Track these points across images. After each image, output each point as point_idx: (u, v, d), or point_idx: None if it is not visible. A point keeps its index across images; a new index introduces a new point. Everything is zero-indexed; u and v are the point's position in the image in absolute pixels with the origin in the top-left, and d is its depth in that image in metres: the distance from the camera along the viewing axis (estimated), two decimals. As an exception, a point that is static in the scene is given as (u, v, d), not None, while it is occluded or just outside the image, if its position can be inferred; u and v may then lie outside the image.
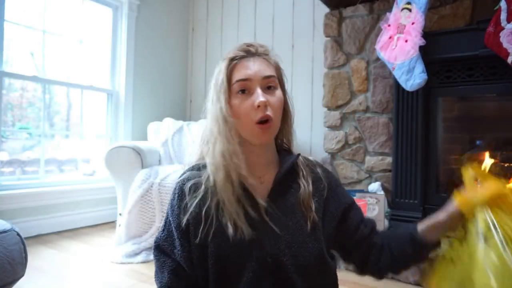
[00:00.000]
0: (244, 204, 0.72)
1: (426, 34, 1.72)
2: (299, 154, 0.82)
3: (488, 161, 1.92)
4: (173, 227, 0.75)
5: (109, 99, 2.94)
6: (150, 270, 1.81)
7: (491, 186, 0.73)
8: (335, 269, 0.80)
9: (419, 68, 1.66)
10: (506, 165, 1.97)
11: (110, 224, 2.72)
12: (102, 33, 2.90)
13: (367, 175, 2.18)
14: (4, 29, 2.27)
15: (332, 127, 2.30)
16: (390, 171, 2.07)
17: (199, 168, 0.79)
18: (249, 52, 0.76)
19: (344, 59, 2.27)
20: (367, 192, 1.98)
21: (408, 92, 1.86)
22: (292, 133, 0.85)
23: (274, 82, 0.75)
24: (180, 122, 2.76)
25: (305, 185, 0.78)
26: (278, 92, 0.76)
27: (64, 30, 2.66)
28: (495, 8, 1.55)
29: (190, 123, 2.75)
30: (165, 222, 0.78)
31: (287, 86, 0.83)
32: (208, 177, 0.75)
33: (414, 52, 1.68)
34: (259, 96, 0.71)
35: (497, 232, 0.62)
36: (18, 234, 0.92)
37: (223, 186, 0.72)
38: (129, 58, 2.94)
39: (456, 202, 0.74)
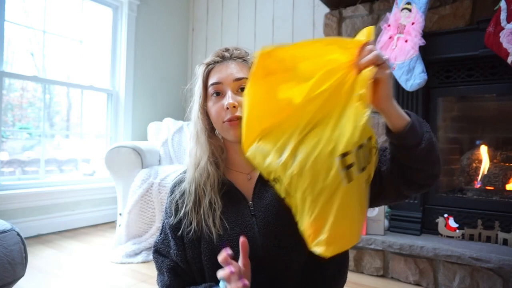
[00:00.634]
0: (232, 201, 0.77)
1: (426, 34, 1.72)
2: None
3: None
4: (167, 228, 0.81)
5: (109, 99, 2.94)
6: (150, 270, 1.81)
7: None
8: (340, 261, 0.80)
9: (419, 68, 1.66)
10: (506, 165, 1.97)
11: (110, 224, 2.72)
12: (102, 33, 2.90)
13: (367, 175, 2.18)
14: (4, 29, 2.27)
15: (332, 127, 2.30)
16: (390, 171, 2.07)
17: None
18: (224, 57, 0.79)
19: (344, 59, 2.26)
20: (367, 192, 1.98)
21: (408, 92, 1.86)
22: None
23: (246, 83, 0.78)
24: (180, 122, 2.76)
25: None
26: None
27: (64, 30, 2.66)
28: (495, 8, 1.55)
29: (190, 123, 2.75)
30: (162, 225, 0.85)
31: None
32: (190, 177, 0.80)
33: (414, 52, 1.68)
34: (228, 98, 0.75)
35: None
36: (18, 234, 0.92)
37: (204, 187, 0.77)
38: (129, 58, 2.94)
39: None
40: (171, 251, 0.79)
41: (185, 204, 0.78)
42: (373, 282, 1.72)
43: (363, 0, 2.17)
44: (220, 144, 0.82)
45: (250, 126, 0.61)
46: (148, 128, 2.84)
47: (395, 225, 1.90)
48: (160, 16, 3.21)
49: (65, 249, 2.10)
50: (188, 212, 0.77)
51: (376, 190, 0.72)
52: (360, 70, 0.57)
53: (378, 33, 1.97)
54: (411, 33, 1.69)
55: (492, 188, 1.94)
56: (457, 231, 1.77)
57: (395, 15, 1.79)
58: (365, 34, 0.63)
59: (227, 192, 0.78)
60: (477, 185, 2.00)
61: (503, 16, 1.51)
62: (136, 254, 1.97)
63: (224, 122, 0.75)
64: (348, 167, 0.54)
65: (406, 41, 1.71)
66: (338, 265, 0.81)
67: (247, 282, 0.63)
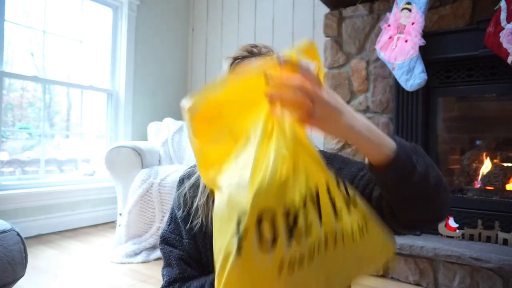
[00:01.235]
0: None
1: (426, 34, 1.72)
2: None
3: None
4: (179, 219, 0.79)
5: (109, 99, 2.94)
6: (150, 270, 1.81)
7: None
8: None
9: (419, 68, 1.67)
10: (506, 165, 1.97)
11: (110, 224, 2.72)
12: (102, 33, 2.90)
13: (367, 175, 2.18)
14: (4, 29, 2.27)
15: (332, 127, 2.30)
16: (390, 171, 2.07)
17: None
18: (252, 53, 0.76)
19: (344, 59, 2.27)
20: (367, 192, 1.98)
21: (408, 92, 1.86)
22: None
23: None
24: (180, 122, 2.76)
25: None
26: None
27: (64, 30, 2.66)
28: (495, 8, 1.55)
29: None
30: (171, 216, 0.82)
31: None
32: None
33: (414, 52, 1.68)
34: None
35: None
36: (18, 234, 0.92)
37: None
38: (129, 58, 2.94)
39: None
40: (183, 241, 0.77)
41: (196, 198, 0.77)
42: (373, 282, 1.72)
43: (363, 0, 2.17)
44: None
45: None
46: (148, 128, 2.84)
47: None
48: (160, 16, 3.21)
49: (65, 249, 2.10)
50: (198, 206, 0.76)
51: None
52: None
53: (378, 33, 1.98)
54: (411, 33, 1.69)
55: (492, 188, 1.94)
56: (457, 231, 1.77)
57: (395, 15, 1.79)
58: (301, 49, 0.49)
59: None
60: (477, 185, 2.00)
61: (503, 16, 1.51)
62: (136, 254, 1.97)
63: None
64: (240, 237, 0.40)
65: (406, 41, 1.72)
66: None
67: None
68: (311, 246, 0.43)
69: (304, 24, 2.77)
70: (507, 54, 1.48)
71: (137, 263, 1.90)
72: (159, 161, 2.53)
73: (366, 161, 0.56)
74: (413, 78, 1.69)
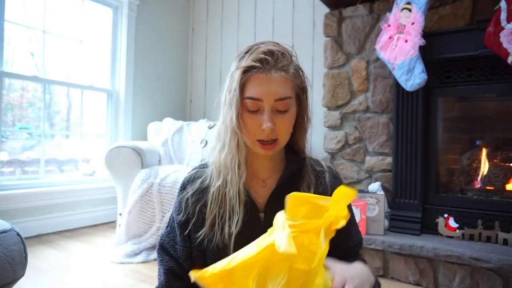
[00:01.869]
0: (243, 207, 0.72)
1: (426, 34, 1.72)
2: (304, 159, 0.80)
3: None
4: (175, 223, 0.78)
5: (109, 99, 2.94)
6: (150, 270, 1.81)
7: None
8: None
9: (419, 68, 1.67)
10: (506, 165, 1.97)
11: (110, 224, 2.72)
12: (102, 33, 2.90)
13: (367, 175, 2.18)
14: (4, 29, 2.27)
15: (332, 127, 2.30)
16: (390, 171, 2.07)
17: (207, 166, 0.81)
18: (267, 63, 0.69)
19: (344, 59, 2.27)
20: (367, 192, 1.98)
21: (408, 92, 1.86)
22: (305, 138, 0.82)
23: (288, 103, 0.71)
24: (180, 122, 2.76)
25: (305, 192, 0.76)
26: (291, 113, 0.72)
27: (64, 30, 2.66)
28: (495, 8, 1.55)
29: (190, 123, 2.75)
30: (169, 219, 0.81)
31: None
32: (207, 177, 0.78)
33: (414, 52, 1.68)
34: (267, 121, 0.68)
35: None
36: (18, 234, 0.92)
37: (219, 192, 0.74)
38: (129, 58, 2.94)
39: None
40: (176, 246, 0.77)
41: (196, 202, 0.76)
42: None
43: (363, 0, 2.17)
44: (247, 149, 0.76)
45: None
46: (148, 128, 2.84)
47: (395, 225, 1.90)
48: (160, 16, 3.21)
49: (65, 249, 2.10)
50: (198, 212, 0.75)
51: None
52: None
53: (378, 33, 1.98)
54: (411, 33, 1.69)
55: (492, 188, 1.94)
56: (457, 231, 1.77)
57: (395, 15, 1.79)
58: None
59: (240, 197, 0.74)
60: (477, 185, 2.00)
61: (503, 16, 1.51)
62: (136, 254, 1.97)
63: (257, 140, 0.71)
64: None
65: (406, 41, 1.72)
66: None
67: None
68: None
69: (304, 24, 2.77)
70: (507, 54, 1.48)
71: (137, 263, 1.90)
72: (159, 161, 2.53)
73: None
74: (413, 78, 1.69)
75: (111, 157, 2.22)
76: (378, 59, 2.05)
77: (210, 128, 2.56)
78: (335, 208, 0.54)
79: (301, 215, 0.54)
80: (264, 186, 0.78)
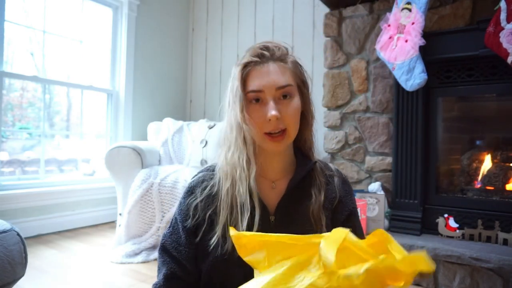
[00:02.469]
0: (252, 210, 0.70)
1: (426, 34, 1.72)
2: (315, 162, 0.79)
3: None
4: (180, 226, 0.76)
5: (109, 99, 2.94)
6: (150, 270, 1.81)
7: None
8: None
9: (419, 68, 1.66)
10: (506, 165, 1.97)
11: (110, 224, 2.72)
12: (102, 33, 2.90)
13: (367, 175, 2.18)
14: (4, 29, 2.27)
15: (332, 127, 2.30)
16: (390, 171, 2.07)
17: (213, 169, 0.79)
18: (263, 57, 0.72)
19: (344, 59, 2.27)
20: (367, 192, 1.98)
21: (408, 92, 1.86)
22: (312, 137, 0.81)
23: (290, 90, 0.71)
24: (180, 122, 2.76)
25: (316, 196, 0.75)
26: (295, 101, 0.72)
27: (64, 30, 2.66)
28: (495, 8, 1.55)
29: (190, 123, 2.75)
30: (172, 220, 0.80)
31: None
32: (218, 181, 0.75)
33: (414, 52, 1.68)
34: (271, 109, 0.68)
35: None
36: (18, 234, 0.92)
37: (228, 194, 0.72)
38: (129, 58, 2.94)
39: None
40: (180, 248, 0.76)
41: (203, 206, 0.74)
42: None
43: (363, 0, 2.17)
44: (255, 148, 0.74)
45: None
46: (148, 128, 2.84)
47: (395, 225, 1.90)
48: (160, 16, 3.21)
49: (65, 249, 2.10)
50: (204, 216, 0.73)
51: None
52: None
53: (378, 33, 1.98)
54: (411, 33, 1.69)
55: (492, 188, 1.94)
56: (457, 231, 1.77)
57: (395, 15, 1.79)
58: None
59: (249, 200, 0.71)
60: (477, 185, 2.00)
61: (503, 16, 1.51)
62: (136, 254, 1.97)
63: (265, 133, 0.70)
64: None
65: (406, 41, 1.72)
66: None
67: None
68: None
69: (304, 24, 2.77)
70: (507, 54, 1.48)
71: (137, 263, 1.90)
72: (159, 161, 2.53)
73: None
74: (413, 78, 1.69)
75: (111, 157, 2.22)
76: (378, 59, 2.05)
77: (210, 128, 2.56)
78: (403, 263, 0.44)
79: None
80: (274, 188, 0.77)
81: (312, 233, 0.70)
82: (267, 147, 0.71)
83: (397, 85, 1.92)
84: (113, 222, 2.75)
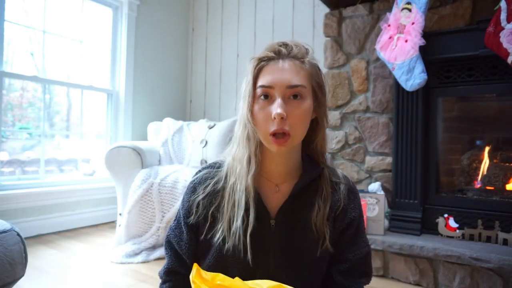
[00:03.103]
0: (252, 213, 0.69)
1: (426, 34, 1.72)
2: (323, 168, 0.76)
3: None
4: (182, 222, 0.77)
5: (109, 99, 2.94)
6: (150, 270, 1.81)
7: None
8: None
9: (419, 68, 1.66)
10: (506, 165, 1.97)
11: (110, 224, 2.72)
12: (102, 33, 2.90)
13: (367, 175, 2.18)
14: (4, 29, 2.27)
15: (332, 127, 2.30)
16: (390, 171, 2.07)
17: (219, 166, 0.78)
18: (279, 53, 0.69)
19: (344, 59, 2.27)
20: (367, 192, 1.98)
21: (408, 92, 1.86)
22: (325, 144, 0.78)
23: (302, 91, 0.67)
24: (180, 122, 2.76)
25: (321, 207, 0.72)
26: (306, 103, 0.68)
27: (64, 30, 2.66)
28: (495, 8, 1.55)
29: (190, 123, 2.75)
30: (177, 214, 0.81)
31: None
32: (222, 178, 0.74)
33: (414, 52, 1.68)
34: (277, 107, 0.65)
35: None
36: (18, 234, 0.92)
37: (231, 192, 0.71)
38: (129, 58, 2.94)
39: None
40: (181, 243, 0.77)
41: (205, 203, 0.73)
42: (373, 282, 1.72)
43: (363, 0, 2.17)
44: (260, 149, 0.72)
45: None
46: (148, 128, 2.84)
47: (395, 225, 1.90)
48: (160, 16, 3.21)
49: (65, 249, 2.10)
50: (207, 213, 0.73)
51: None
52: None
53: (378, 33, 1.98)
54: (411, 33, 1.69)
55: (492, 188, 1.94)
56: (457, 231, 1.77)
57: (395, 15, 1.79)
58: None
59: (251, 202, 0.70)
60: (477, 185, 2.00)
61: (503, 16, 1.51)
62: (136, 254, 1.97)
63: (269, 134, 0.66)
64: None
65: (406, 41, 1.72)
66: None
67: None
68: None
69: (304, 24, 2.77)
70: (507, 54, 1.48)
71: (137, 263, 1.90)
72: (159, 161, 2.53)
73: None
74: (413, 78, 1.69)
75: (111, 157, 2.22)
76: (378, 59, 2.05)
77: (210, 128, 2.56)
78: None
79: None
80: (277, 191, 0.74)
81: (313, 243, 0.71)
82: (271, 148, 0.69)
83: (397, 85, 1.92)
84: (113, 222, 2.75)
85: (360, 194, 1.94)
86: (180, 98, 3.44)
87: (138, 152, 2.26)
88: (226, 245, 0.69)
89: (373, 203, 1.88)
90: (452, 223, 1.79)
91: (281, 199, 0.73)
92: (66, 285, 1.61)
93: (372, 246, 1.79)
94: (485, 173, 1.99)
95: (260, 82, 0.68)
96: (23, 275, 0.92)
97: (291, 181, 0.74)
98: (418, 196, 1.90)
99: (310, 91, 0.70)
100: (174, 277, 0.80)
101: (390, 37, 1.81)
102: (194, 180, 0.77)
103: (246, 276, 0.64)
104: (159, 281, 0.83)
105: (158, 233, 2.04)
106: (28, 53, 2.56)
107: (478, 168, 2.02)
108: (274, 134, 0.66)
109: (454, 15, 1.89)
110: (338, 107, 2.29)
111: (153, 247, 2.04)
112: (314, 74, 0.71)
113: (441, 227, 1.80)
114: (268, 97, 0.67)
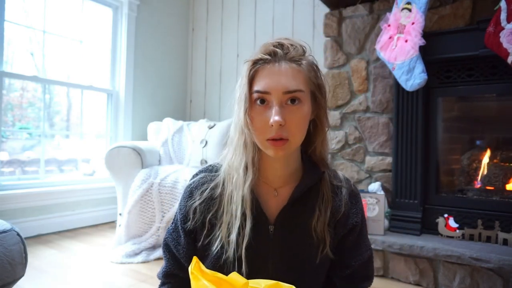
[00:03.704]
0: (249, 224, 0.67)
1: (426, 34, 1.72)
2: (323, 172, 0.73)
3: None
4: (180, 226, 0.76)
5: (109, 99, 2.94)
6: (150, 270, 1.81)
7: None
8: None
9: (419, 68, 1.66)
10: (506, 165, 1.97)
11: (110, 224, 2.72)
12: (102, 33, 2.90)
13: (367, 175, 2.18)
14: (4, 29, 2.27)
15: (332, 127, 2.30)
16: (390, 171, 2.07)
17: (216, 169, 0.76)
18: (275, 55, 0.66)
19: (344, 59, 2.27)
20: (367, 192, 1.98)
21: (408, 92, 1.86)
22: (326, 146, 0.75)
23: (300, 96, 0.65)
24: (180, 122, 2.76)
25: (321, 212, 0.70)
26: (304, 107, 0.66)
27: (64, 30, 2.66)
28: (495, 8, 1.55)
29: (190, 123, 2.75)
30: (174, 217, 0.80)
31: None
32: (219, 184, 0.73)
33: (414, 52, 1.68)
34: (275, 115, 0.62)
35: None
36: (18, 234, 0.92)
37: (228, 201, 0.69)
38: (129, 58, 2.94)
39: None
40: (179, 247, 0.76)
41: (202, 209, 0.71)
42: (373, 282, 1.72)
43: (363, 0, 2.17)
44: (258, 153, 0.70)
45: None
46: (148, 128, 2.84)
47: (395, 225, 1.90)
48: (160, 16, 3.21)
49: (65, 249, 2.10)
50: (204, 219, 0.71)
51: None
52: None
53: (378, 33, 1.98)
54: (411, 33, 1.69)
55: (492, 188, 1.94)
56: (457, 231, 1.77)
57: (395, 15, 1.79)
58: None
59: (249, 207, 0.68)
60: (477, 185, 2.00)
61: (503, 16, 1.51)
62: (136, 254, 1.97)
63: (267, 140, 0.64)
64: None
65: (406, 41, 1.71)
66: None
67: None
68: None
69: (304, 24, 2.77)
70: (507, 54, 1.48)
71: (137, 263, 1.90)
72: (159, 161, 2.53)
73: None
74: (413, 78, 1.69)
75: (111, 157, 2.22)
76: (378, 59, 2.05)
77: (210, 128, 2.56)
78: None
79: None
80: (276, 195, 0.72)
81: (313, 249, 0.70)
82: (269, 153, 0.67)
83: (397, 85, 1.92)
84: (113, 222, 2.75)
85: (360, 194, 1.95)
86: (180, 98, 3.44)
87: (138, 152, 2.26)
88: (224, 255, 0.68)
89: (373, 203, 1.88)
90: (452, 223, 1.79)
91: (280, 204, 0.71)
92: (66, 285, 1.61)
93: (372, 246, 1.79)
94: (485, 173, 1.99)
95: (256, 87, 0.65)
96: (23, 275, 0.92)
97: (290, 185, 0.72)
98: (418, 196, 1.90)
99: (308, 94, 0.67)
100: (173, 280, 0.80)
101: (390, 37, 1.81)
102: (191, 184, 0.76)
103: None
104: (159, 282, 0.84)
105: (158, 233, 2.04)
106: (28, 53, 2.56)
107: (478, 168, 2.02)
108: (272, 140, 0.64)
109: (454, 15, 1.89)
110: (338, 107, 2.29)
111: (153, 247, 2.04)
112: (312, 76, 0.68)
113: (441, 227, 1.80)
114: (264, 102, 0.65)
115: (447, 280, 1.63)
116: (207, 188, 0.73)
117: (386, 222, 1.92)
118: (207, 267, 0.71)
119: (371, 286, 0.80)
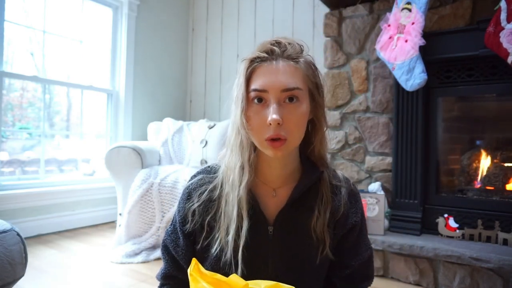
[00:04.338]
0: (245, 225, 0.66)
1: (426, 34, 1.72)
2: (322, 172, 0.72)
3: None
4: (179, 228, 0.76)
5: (109, 99, 2.94)
6: (150, 270, 1.81)
7: None
8: None
9: (419, 68, 1.66)
10: (506, 165, 1.97)
11: (110, 224, 2.72)
12: (102, 33, 2.90)
13: (367, 175, 2.18)
14: (4, 29, 2.27)
15: (332, 127, 2.30)
16: (390, 171, 2.07)
17: (215, 171, 0.75)
18: (273, 53, 0.65)
19: (344, 59, 2.27)
20: (367, 192, 1.98)
21: (408, 92, 1.86)
22: (325, 146, 0.74)
23: (297, 94, 0.64)
24: (180, 122, 2.76)
25: (321, 213, 0.69)
26: (302, 106, 0.65)
27: (64, 30, 2.66)
28: (495, 8, 1.55)
29: (190, 123, 2.75)
30: (173, 218, 0.79)
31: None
32: (217, 185, 0.72)
33: (414, 52, 1.68)
34: (272, 113, 0.61)
35: None
36: (18, 234, 0.92)
37: (225, 203, 0.69)
38: (129, 58, 2.94)
39: None
40: (178, 249, 0.75)
41: (201, 212, 0.71)
42: (373, 282, 1.72)
43: (363, 0, 2.17)
44: (256, 153, 0.69)
45: None
46: (148, 128, 2.84)
47: (395, 225, 1.90)
48: (160, 16, 3.21)
49: (65, 249, 2.10)
50: (202, 222, 0.70)
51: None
52: None
53: (378, 33, 1.98)
54: (411, 33, 1.69)
55: (492, 188, 1.94)
56: (457, 231, 1.77)
57: (395, 15, 1.79)
58: None
59: (247, 208, 0.67)
60: (477, 185, 2.00)
61: (503, 16, 1.51)
62: (136, 254, 1.97)
63: (265, 140, 0.63)
64: None
65: (406, 41, 1.72)
66: None
67: None
68: None
69: (304, 24, 2.77)
70: (507, 54, 1.48)
71: (137, 263, 1.90)
72: (159, 161, 2.53)
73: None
74: (413, 78, 1.69)
75: (111, 157, 2.22)
76: (378, 59, 2.05)
77: (210, 128, 2.56)
78: None
79: None
80: (274, 196, 0.71)
81: (313, 250, 0.70)
82: (267, 152, 0.66)
83: (397, 85, 1.92)
84: (113, 222, 2.75)
85: (360, 194, 1.95)
86: (180, 98, 3.44)
87: (138, 152, 2.26)
88: (223, 257, 0.68)
89: (373, 203, 1.88)
90: (452, 223, 1.79)
91: (279, 204, 0.70)
92: (66, 285, 1.61)
93: (372, 246, 1.79)
94: (485, 173, 1.99)
95: (253, 85, 0.64)
96: (23, 275, 0.92)
97: (289, 186, 0.71)
98: (418, 196, 1.90)
99: (306, 92, 0.66)
100: (172, 281, 0.79)
101: (390, 37, 1.81)
102: (189, 186, 0.75)
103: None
104: (158, 283, 0.83)
105: (158, 233, 2.04)
106: (28, 53, 2.56)
107: (478, 168, 2.02)
108: (271, 139, 0.64)
109: (454, 15, 1.89)
110: (338, 107, 2.29)
111: (153, 247, 2.04)
112: (310, 74, 0.67)
113: (441, 227, 1.80)
114: (262, 100, 0.64)
115: (447, 280, 1.63)
116: (205, 190, 0.72)
117: (386, 222, 1.92)
118: (207, 269, 0.71)
119: (371, 286, 0.80)
